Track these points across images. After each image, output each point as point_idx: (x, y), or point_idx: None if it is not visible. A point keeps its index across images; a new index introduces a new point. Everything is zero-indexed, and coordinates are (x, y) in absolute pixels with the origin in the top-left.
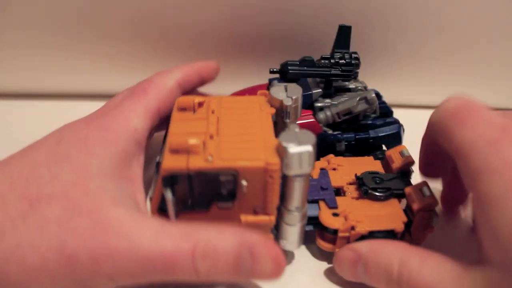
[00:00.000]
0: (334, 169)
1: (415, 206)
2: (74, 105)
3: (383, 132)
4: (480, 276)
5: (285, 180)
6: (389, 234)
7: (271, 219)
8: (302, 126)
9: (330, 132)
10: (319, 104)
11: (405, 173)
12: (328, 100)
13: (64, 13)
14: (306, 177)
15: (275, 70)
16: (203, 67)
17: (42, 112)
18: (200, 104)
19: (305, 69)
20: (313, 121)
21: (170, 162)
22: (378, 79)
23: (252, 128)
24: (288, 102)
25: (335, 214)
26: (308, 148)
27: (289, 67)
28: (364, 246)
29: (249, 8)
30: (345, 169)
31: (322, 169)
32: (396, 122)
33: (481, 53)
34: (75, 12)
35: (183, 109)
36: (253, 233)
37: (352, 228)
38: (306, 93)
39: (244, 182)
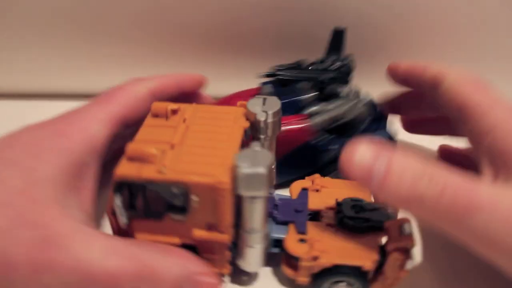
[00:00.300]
0: (317, 190)
1: (390, 245)
2: (74, 105)
3: None
4: None
5: (241, 200)
6: (356, 271)
7: (225, 237)
8: (289, 131)
9: (316, 140)
10: (311, 109)
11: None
12: (318, 107)
13: (64, 13)
14: (262, 199)
15: (264, 74)
16: (185, 79)
17: (42, 112)
18: (174, 112)
19: (294, 73)
20: (301, 127)
21: (124, 169)
22: (373, 80)
23: (218, 141)
24: (261, 117)
25: (302, 240)
26: (260, 170)
27: (277, 71)
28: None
29: (248, 8)
30: (329, 192)
31: (304, 189)
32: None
33: (476, 54)
34: (75, 12)
35: (156, 115)
36: (198, 262)
37: (316, 258)
38: (294, 98)
39: (194, 198)
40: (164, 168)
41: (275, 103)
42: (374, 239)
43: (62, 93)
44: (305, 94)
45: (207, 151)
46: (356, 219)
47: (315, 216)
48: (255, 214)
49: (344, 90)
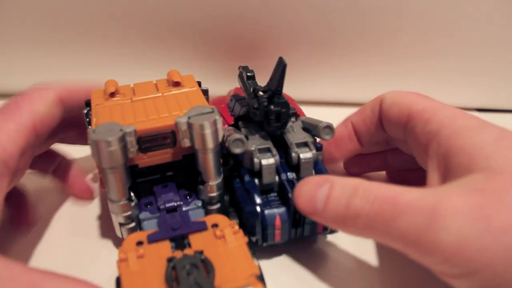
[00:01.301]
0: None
1: None
2: None
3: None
4: (464, 182)
5: None
6: None
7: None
8: None
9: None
10: (239, 122)
11: None
12: (243, 124)
13: (64, 13)
14: (108, 171)
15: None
16: (93, 85)
17: None
18: (175, 84)
19: (243, 79)
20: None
21: (94, 92)
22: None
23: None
24: (180, 121)
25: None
26: (94, 136)
27: (241, 69)
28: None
29: (248, 8)
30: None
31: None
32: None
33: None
34: (75, 12)
35: (168, 80)
36: None
37: None
38: (241, 104)
39: None
40: (101, 104)
41: (210, 118)
42: None
43: None
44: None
45: (130, 115)
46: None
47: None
48: (108, 183)
49: (290, 135)
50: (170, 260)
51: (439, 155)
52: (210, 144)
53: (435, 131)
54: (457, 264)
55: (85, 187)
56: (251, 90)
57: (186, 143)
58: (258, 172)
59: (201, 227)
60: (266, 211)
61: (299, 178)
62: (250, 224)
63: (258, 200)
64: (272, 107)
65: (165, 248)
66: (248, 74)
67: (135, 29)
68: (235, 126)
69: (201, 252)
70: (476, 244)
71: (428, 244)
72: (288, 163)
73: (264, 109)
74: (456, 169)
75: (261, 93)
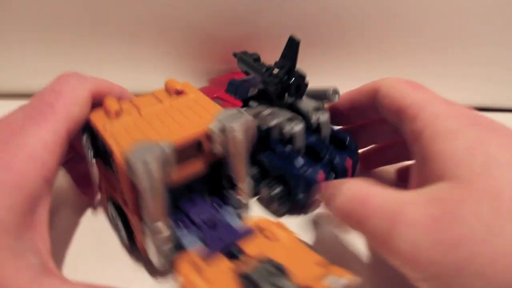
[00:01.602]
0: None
1: None
2: None
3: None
4: (429, 190)
5: None
6: None
7: (132, 217)
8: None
9: None
10: (250, 102)
11: None
12: (255, 103)
13: (65, 13)
14: (148, 190)
15: (233, 53)
16: (118, 90)
17: None
18: (177, 92)
19: (251, 63)
20: (228, 106)
21: (94, 114)
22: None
23: (168, 128)
24: (214, 128)
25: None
26: (134, 158)
27: (241, 54)
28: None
29: (248, 8)
30: (273, 247)
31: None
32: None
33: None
34: (75, 12)
35: (167, 89)
36: None
37: None
38: (245, 86)
39: (113, 162)
40: (110, 127)
41: (242, 119)
42: None
43: None
44: (254, 88)
45: (150, 130)
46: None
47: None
48: (143, 204)
49: (304, 105)
50: (245, 276)
51: (419, 157)
52: (245, 146)
53: (419, 131)
54: (413, 270)
55: (89, 189)
56: (264, 69)
57: (219, 149)
58: (288, 140)
59: (249, 232)
60: (311, 169)
61: (322, 139)
62: (296, 184)
63: (301, 161)
64: (292, 79)
65: (223, 263)
66: (254, 57)
67: (137, 28)
68: (246, 106)
69: (268, 258)
70: (427, 256)
71: (389, 248)
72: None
73: (285, 83)
74: (428, 175)
75: (276, 70)
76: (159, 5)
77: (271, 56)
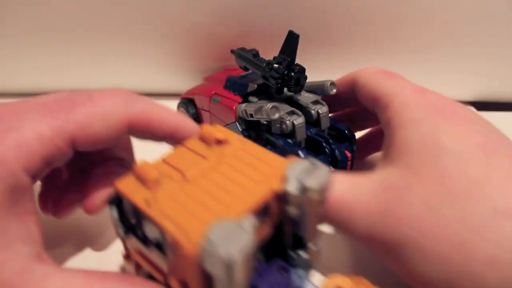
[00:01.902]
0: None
1: None
2: None
3: None
4: (380, 175)
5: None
6: None
7: None
8: (221, 103)
9: (239, 125)
10: (249, 98)
11: None
12: (254, 98)
13: (64, 13)
14: (235, 282)
15: (231, 50)
16: (183, 128)
17: None
18: (219, 142)
19: (250, 59)
20: (230, 102)
21: (123, 183)
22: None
23: (230, 194)
24: (293, 189)
25: None
26: (222, 252)
27: (239, 51)
28: None
29: (244, 5)
30: None
31: None
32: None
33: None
34: (75, 11)
35: (202, 138)
36: None
37: None
38: (244, 82)
39: (168, 246)
40: (154, 200)
41: (322, 176)
42: None
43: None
44: (253, 84)
45: (209, 200)
46: None
47: None
48: None
49: (302, 99)
50: None
51: (385, 144)
52: (324, 203)
53: (388, 119)
54: (369, 248)
55: (94, 205)
56: (264, 64)
57: (294, 211)
58: (289, 134)
59: None
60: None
61: (322, 131)
62: None
63: (303, 154)
64: (293, 73)
65: None
66: (253, 53)
67: (135, 28)
68: (246, 101)
69: None
70: (379, 236)
71: (350, 233)
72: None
73: (285, 77)
74: (387, 161)
75: (276, 65)
76: (154, 3)
77: (265, 53)
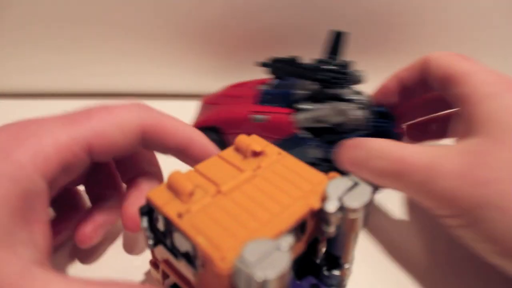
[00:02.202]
0: None
1: None
2: (75, 104)
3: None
4: (461, 144)
5: None
6: None
7: None
8: (272, 119)
9: (303, 135)
10: (299, 106)
11: None
12: (308, 104)
13: (64, 13)
14: None
15: (262, 63)
16: (198, 144)
17: (42, 112)
18: (255, 154)
19: (290, 68)
20: (283, 116)
21: (155, 194)
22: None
23: (266, 210)
24: (332, 208)
25: None
26: (258, 274)
27: (275, 63)
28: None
29: (249, 6)
30: None
31: None
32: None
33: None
34: (75, 11)
35: (237, 149)
36: None
37: None
38: (287, 91)
39: (199, 261)
40: (187, 213)
41: (363, 195)
42: None
43: (63, 93)
44: (299, 90)
45: (244, 216)
46: None
47: None
48: None
49: (344, 93)
50: None
51: (462, 119)
52: (362, 224)
53: (465, 95)
54: (448, 209)
55: (88, 235)
56: (315, 68)
57: (332, 230)
58: (353, 129)
59: None
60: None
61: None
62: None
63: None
64: (349, 72)
65: None
66: (293, 60)
67: (136, 28)
68: (299, 110)
69: None
70: (461, 195)
71: (427, 196)
72: None
73: (340, 74)
74: (466, 133)
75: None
76: (166, 4)
77: (280, 51)
